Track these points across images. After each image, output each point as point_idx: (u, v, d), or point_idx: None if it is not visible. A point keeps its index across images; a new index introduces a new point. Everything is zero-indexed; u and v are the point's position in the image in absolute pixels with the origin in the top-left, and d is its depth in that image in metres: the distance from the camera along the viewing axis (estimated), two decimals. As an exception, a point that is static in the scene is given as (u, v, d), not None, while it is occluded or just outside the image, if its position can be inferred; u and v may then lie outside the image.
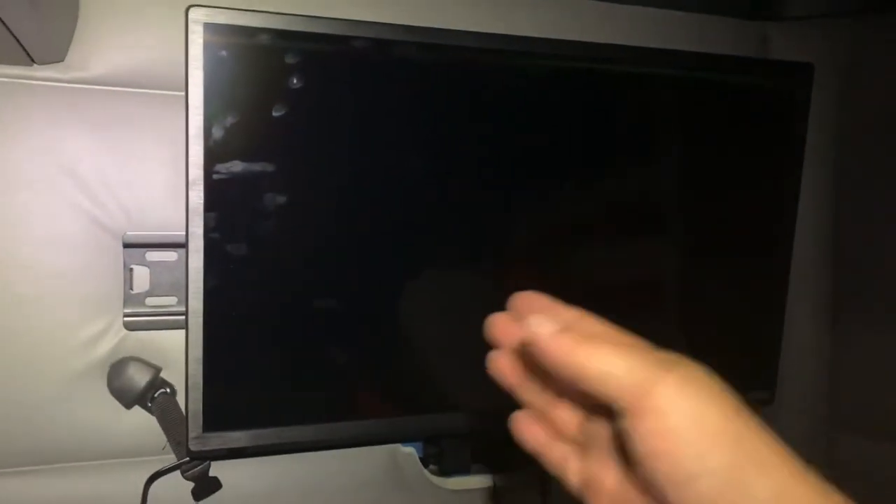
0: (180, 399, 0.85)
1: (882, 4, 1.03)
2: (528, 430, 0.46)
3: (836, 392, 1.15)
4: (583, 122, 0.88)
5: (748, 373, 1.04)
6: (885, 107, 1.07)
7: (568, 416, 0.45)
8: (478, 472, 1.05)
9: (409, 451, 1.01)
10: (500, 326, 0.48)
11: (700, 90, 0.93)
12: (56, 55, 0.78)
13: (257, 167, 0.74)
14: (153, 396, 0.84)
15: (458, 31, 0.81)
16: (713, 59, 0.96)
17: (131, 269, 0.84)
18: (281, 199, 0.76)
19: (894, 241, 1.06)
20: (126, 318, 0.84)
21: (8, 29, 0.67)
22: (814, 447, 1.17)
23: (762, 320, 1.04)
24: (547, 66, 0.85)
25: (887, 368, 1.07)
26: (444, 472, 1.04)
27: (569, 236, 0.90)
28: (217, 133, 0.72)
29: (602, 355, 0.36)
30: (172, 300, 0.86)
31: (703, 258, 0.98)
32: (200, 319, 0.75)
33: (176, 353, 0.85)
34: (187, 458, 0.86)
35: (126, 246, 0.83)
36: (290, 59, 0.74)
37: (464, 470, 1.05)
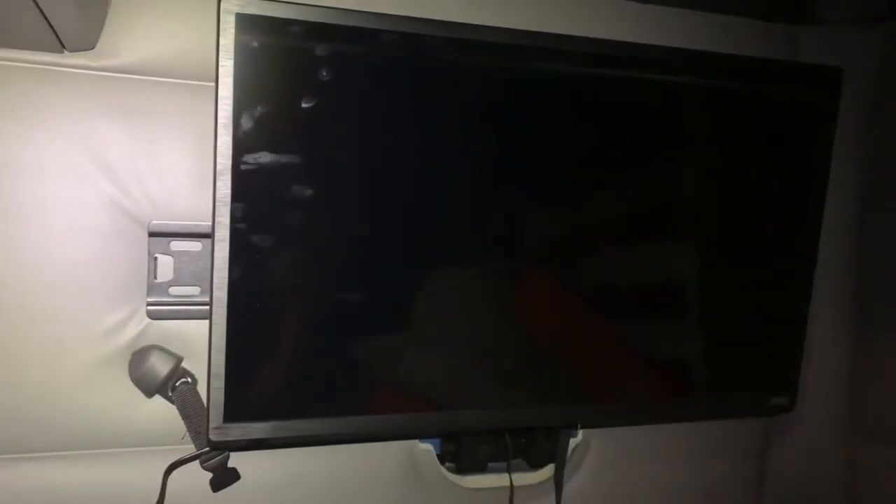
0: (201, 389, 0.85)
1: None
2: None
3: (858, 399, 1.14)
4: (607, 122, 0.88)
5: (769, 379, 1.03)
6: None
7: None
8: (494, 470, 1.05)
9: (426, 448, 1.00)
10: None
11: (727, 92, 0.93)
12: (87, 43, 0.78)
13: (285, 159, 0.74)
14: (174, 386, 0.84)
15: (488, 27, 0.81)
16: (742, 60, 0.95)
17: (155, 258, 0.84)
18: (308, 192, 0.76)
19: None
20: (149, 307, 0.84)
21: (43, 14, 0.68)
22: (834, 454, 1.16)
23: (784, 327, 1.03)
24: (572, 64, 0.84)
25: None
26: (461, 469, 1.03)
27: (592, 239, 0.90)
28: (246, 124, 0.72)
29: None
30: (196, 290, 0.86)
31: (726, 263, 0.98)
32: (224, 310, 0.75)
33: (198, 342, 0.86)
34: (207, 449, 0.86)
35: (151, 235, 0.83)
36: (320, 52, 0.74)
37: (480, 468, 1.04)
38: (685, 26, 1.03)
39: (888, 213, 1.10)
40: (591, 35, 0.86)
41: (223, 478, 0.89)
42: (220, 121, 0.72)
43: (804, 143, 0.98)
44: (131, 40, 0.80)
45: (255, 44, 0.72)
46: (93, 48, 0.79)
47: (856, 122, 1.10)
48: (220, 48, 0.71)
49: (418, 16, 0.78)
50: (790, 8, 1.04)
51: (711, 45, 0.96)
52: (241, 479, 0.90)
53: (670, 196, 0.93)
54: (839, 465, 1.16)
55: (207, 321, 0.76)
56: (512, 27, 0.82)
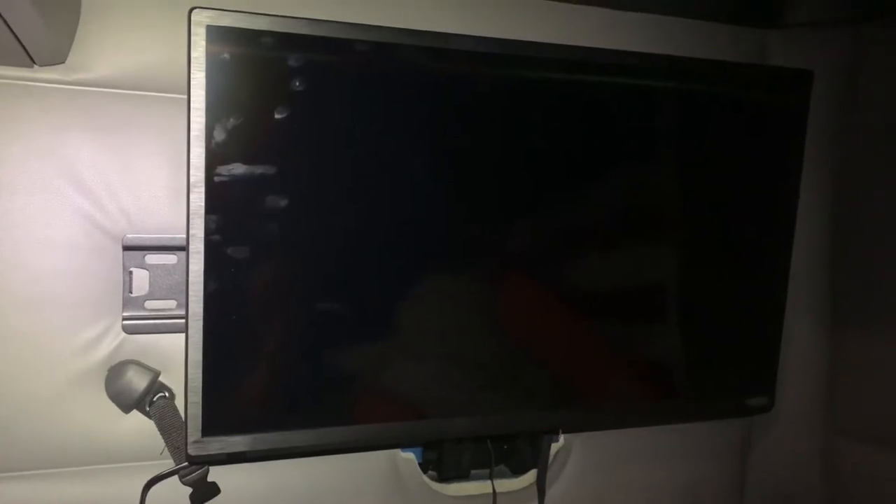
0: (179, 403, 0.84)
1: (881, 11, 1.04)
2: None
3: (835, 398, 1.15)
4: (582, 127, 0.88)
5: (748, 380, 1.04)
6: (884, 113, 1.07)
7: None
8: (477, 477, 1.05)
9: (408, 457, 1.00)
10: None
11: (699, 96, 0.94)
12: (57, 57, 0.77)
13: (259, 170, 0.74)
14: (152, 400, 0.84)
15: (462, 35, 0.81)
16: (712, 64, 0.96)
17: (131, 272, 0.84)
18: (282, 202, 0.76)
19: (892, 247, 1.06)
20: (125, 322, 0.83)
21: (10, 30, 0.67)
22: (814, 452, 1.17)
23: (761, 327, 1.04)
24: (547, 70, 0.85)
25: (886, 374, 1.07)
26: (444, 477, 1.03)
27: (570, 244, 0.90)
28: (218, 135, 0.72)
29: None
30: (172, 303, 0.85)
31: (702, 265, 0.98)
32: (200, 323, 0.74)
33: (175, 356, 0.85)
34: (186, 463, 0.85)
35: (126, 249, 0.83)
36: (292, 62, 0.74)
37: (463, 476, 1.04)
38: (657, 32, 1.04)
39: (860, 213, 1.11)
40: (564, 42, 0.86)
41: (203, 492, 0.88)
42: (192, 133, 0.71)
43: (776, 146, 0.99)
44: (102, 54, 0.80)
45: (227, 55, 0.72)
46: (63, 62, 0.78)
47: (827, 123, 1.12)
48: (192, 60, 0.71)
49: (391, 25, 0.78)
50: (760, 12, 1.05)
51: (683, 50, 0.97)
52: (221, 493, 0.89)
53: (646, 200, 0.94)
54: (819, 463, 1.17)
55: (184, 335, 0.75)
56: (486, 35, 0.82)
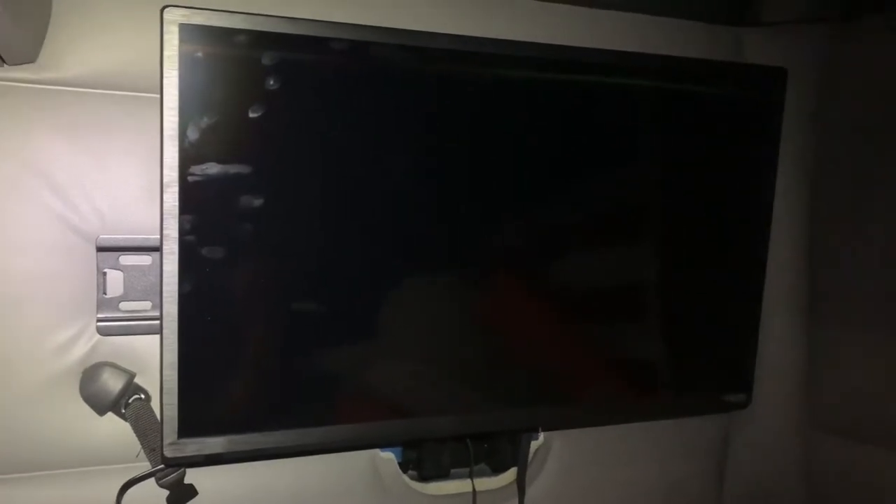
0: (155, 405, 0.84)
1: (855, 10, 1.05)
2: None
3: (813, 393, 1.17)
4: (558, 126, 0.88)
5: (726, 375, 1.04)
6: (859, 111, 1.09)
7: None
8: (457, 476, 1.05)
9: (387, 457, 1.00)
10: None
11: (675, 93, 0.94)
12: (28, 56, 0.76)
13: (233, 169, 0.74)
14: (127, 402, 0.83)
15: (435, 33, 0.81)
16: (687, 62, 0.97)
17: (105, 273, 0.83)
18: (257, 202, 0.75)
19: (869, 243, 1.07)
20: (99, 323, 0.83)
21: (-22, 28, 0.66)
22: (792, 448, 1.18)
23: (739, 324, 1.04)
24: (525, 69, 0.85)
25: (863, 369, 1.08)
26: (424, 477, 1.03)
27: (548, 241, 0.90)
28: (192, 135, 0.72)
29: None
30: (147, 305, 0.85)
31: (680, 262, 0.99)
32: (175, 324, 0.74)
33: (150, 358, 0.84)
34: (162, 466, 0.84)
35: (99, 249, 0.82)
36: (266, 61, 0.73)
37: (443, 475, 1.04)
38: (633, 30, 1.04)
39: (836, 209, 1.12)
40: (541, 41, 0.86)
41: (180, 494, 0.87)
42: (166, 132, 0.71)
43: (752, 143, 1.00)
44: (74, 53, 0.79)
45: (200, 54, 0.71)
46: (34, 61, 0.77)
47: (801, 121, 1.12)
48: (164, 59, 0.70)
49: (370, 24, 0.78)
50: (734, 10, 1.06)
51: (659, 48, 0.98)
52: (199, 495, 0.89)
53: (623, 198, 0.94)
54: (797, 458, 1.18)
55: (159, 336, 0.75)
56: (462, 34, 0.82)
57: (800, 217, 1.15)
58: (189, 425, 0.76)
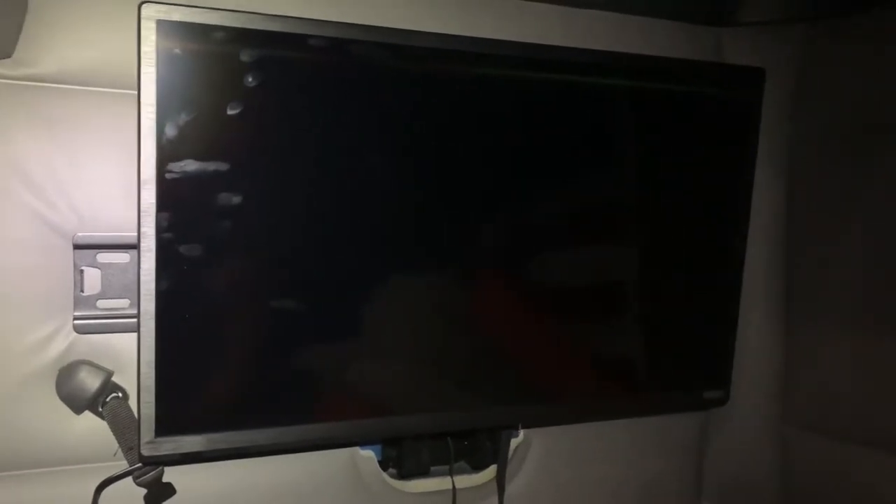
0: (133, 404, 0.83)
1: (833, 11, 1.06)
2: None
3: (789, 391, 1.18)
4: (538, 125, 0.89)
5: (703, 373, 1.05)
6: (836, 112, 1.10)
7: None
8: (437, 474, 1.05)
9: (367, 455, 1.00)
10: None
11: (652, 93, 0.95)
12: (3, 51, 0.76)
13: (212, 166, 0.73)
14: (104, 401, 0.82)
15: (414, 31, 0.81)
16: (665, 62, 0.97)
17: (82, 271, 0.82)
18: (236, 199, 0.75)
19: (845, 242, 1.08)
20: (76, 321, 0.82)
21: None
22: (767, 445, 1.20)
23: (716, 322, 1.05)
24: (503, 67, 0.85)
25: (839, 366, 1.10)
26: (404, 475, 1.03)
27: (528, 241, 0.91)
28: (170, 132, 0.71)
29: None
30: (125, 302, 0.84)
31: (657, 262, 0.99)
32: (152, 322, 0.73)
33: (128, 356, 0.84)
34: (139, 464, 0.84)
35: (76, 247, 0.81)
36: (245, 58, 0.73)
37: (423, 472, 1.04)
38: (611, 29, 1.04)
39: (813, 209, 1.14)
40: (520, 39, 0.87)
41: (158, 493, 0.87)
42: (143, 129, 0.70)
43: (729, 143, 1.00)
44: (51, 48, 0.78)
45: (178, 50, 0.71)
46: (10, 56, 0.77)
47: (779, 121, 1.13)
48: (142, 55, 0.70)
49: (346, 21, 0.78)
50: (713, 11, 1.07)
51: (637, 48, 0.98)
52: (177, 493, 0.88)
53: (602, 198, 0.95)
54: (775, 455, 1.20)
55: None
56: (441, 32, 0.82)
57: (777, 216, 1.16)
58: (166, 424, 0.76)
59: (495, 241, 0.89)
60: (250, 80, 0.74)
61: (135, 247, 0.79)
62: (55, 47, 0.78)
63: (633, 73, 0.93)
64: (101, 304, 0.83)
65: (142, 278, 0.72)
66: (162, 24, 0.70)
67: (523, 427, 1.08)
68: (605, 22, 1.04)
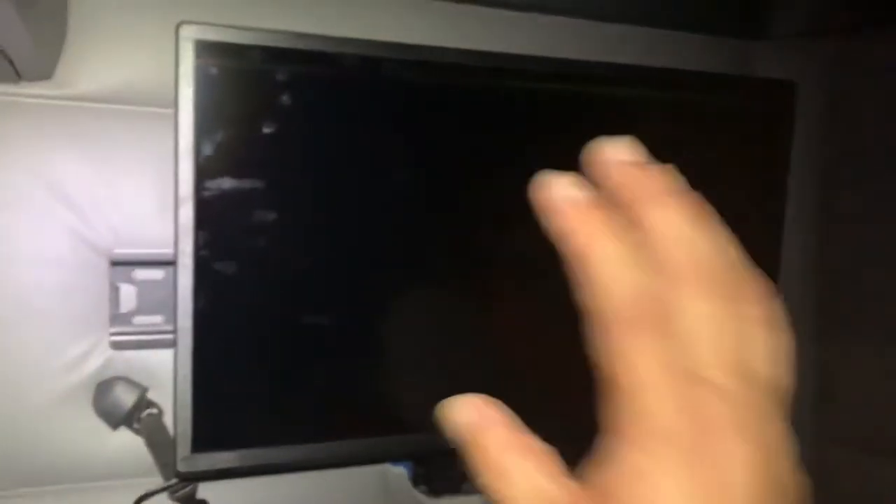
0: (168, 420, 0.84)
1: (865, 24, 1.05)
2: None
3: (825, 404, 1.16)
4: (570, 137, 0.88)
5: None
6: (870, 126, 1.09)
7: None
8: (468, 491, 1.04)
9: (399, 472, 1.00)
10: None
11: (681, 108, 0.94)
12: (44, 73, 0.77)
13: (247, 184, 0.74)
14: (140, 417, 0.83)
15: (450, 48, 0.81)
16: (694, 76, 0.97)
17: (118, 288, 0.83)
18: (271, 216, 0.75)
19: (880, 256, 1.07)
20: (112, 338, 0.83)
21: (-3, 45, 0.67)
22: (805, 461, 1.18)
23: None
24: (536, 82, 0.85)
25: (875, 380, 1.08)
26: (435, 491, 1.03)
27: (554, 258, 0.90)
28: (206, 150, 0.72)
29: None
30: (160, 319, 0.85)
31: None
32: (189, 338, 0.74)
33: (164, 372, 0.84)
34: (175, 480, 0.84)
35: (113, 264, 0.82)
36: (280, 76, 0.74)
37: (454, 489, 1.04)
38: (640, 43, 1.04)
39: (847, 224, 1.12)
40: (549, 55, 0.87)
41: (192, 509, 0.87)
42: (180, 147, 0.71)
43: (761, 158, 1.00)
44: (89, 69, 0.80)
45: (215, 70, 0.72)
46: (50, 77, 0.78)
47: (811, 135, 1.13)
48: (180, 75, 0.71)
49: (380, 39, 0.79)
50: (743, 23, 1.06)
51: (667, 62, 0.98)
52: (210, 510, 0.89)
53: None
54: (812, 471, 1.17)
55: (172, 350, 0.75)
56: (471, 48, 0.83)
57: (810, 232, 1.15)
58: (202, 440, 0.76)
59: (526, 259, 0.89)
60: (285, 98, 0.74)
61: (170, 263, 0.80)
62: (94, 68, 0.80)
63: (663, 87, 0.92)
64: (137, 320, 0.84)
65: (179, 295, 0.73)
66: (199, 44, 0.71)
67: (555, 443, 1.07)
68: (633, 36, 1.04)
